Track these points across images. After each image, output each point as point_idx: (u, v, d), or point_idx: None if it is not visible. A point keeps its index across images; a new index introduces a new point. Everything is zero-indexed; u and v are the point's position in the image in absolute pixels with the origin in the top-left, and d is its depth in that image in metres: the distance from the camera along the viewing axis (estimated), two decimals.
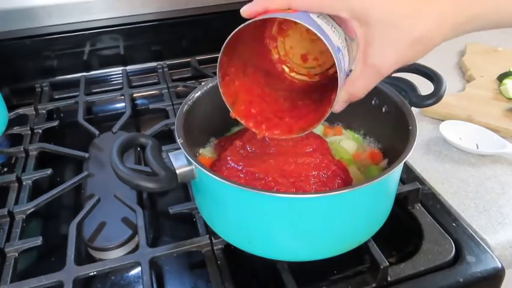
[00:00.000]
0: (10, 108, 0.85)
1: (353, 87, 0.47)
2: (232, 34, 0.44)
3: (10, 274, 0.55)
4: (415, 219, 0.61)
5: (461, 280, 0.53)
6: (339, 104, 0.48)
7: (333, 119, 0.69)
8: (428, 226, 0.60)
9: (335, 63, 0.43)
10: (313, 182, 0.53)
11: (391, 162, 0.60)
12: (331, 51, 0.43)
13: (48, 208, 0.66)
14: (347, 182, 0.55)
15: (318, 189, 0.53)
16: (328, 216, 0.48)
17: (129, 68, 1.02)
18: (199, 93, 0.61)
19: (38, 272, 0.54)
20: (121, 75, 0.99)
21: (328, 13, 0.45)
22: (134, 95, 0.92)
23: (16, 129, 0.82)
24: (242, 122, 0.52)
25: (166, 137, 0.74)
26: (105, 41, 0.99)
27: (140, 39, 1.01)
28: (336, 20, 0.46)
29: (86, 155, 0.74)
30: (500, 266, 0.55)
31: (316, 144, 0.59)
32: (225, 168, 0.56)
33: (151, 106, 0.88)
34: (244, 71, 0.53)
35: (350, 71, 0.48)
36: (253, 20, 0.44)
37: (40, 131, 0.82)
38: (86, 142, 0.79)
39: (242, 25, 0.44)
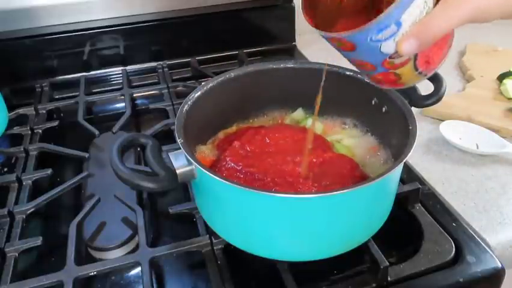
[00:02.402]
0: (10, 108, 0.85)
1: (427, 24, 0.41)
2: None
3: (10, 274, 0.55)
4: (415, 219, 0.61)
5: (461, 280, 0.53)
6: (407, 38, 0.42)
7: (333, 118, 0.69)
8: (428, 226, 0.60)
9: None
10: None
11: (391, 162, 0.60)
12: None
13: (48, 208, 0.66)
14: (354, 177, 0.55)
15: (319, 189, 0.52)
16: (328, 216, 0.48)
17: (129, 68, 1.02)
18: (199, 93, 0.61)
19: (38, 272, 0.54)
20: (121, 75, 0.99)
21: None
22: (134, 95, 0.92)
23: (16, 129, 0.82)
24: None
25: (166, 137, 0.74)
26: (105, 41, 0.99)
27: (140, 39, 1.01)
28: None
29: (86, 155, 0.74)
30: (500, 266, 0.55)
31: (316, 143, 0.59)
32: (224, 169, 0.56)
33: (151, 106, 0.88)
34: None
35: None
36: None
37: (40, 131, 0.82)
38: (86, 142, 0.79)
39: None
